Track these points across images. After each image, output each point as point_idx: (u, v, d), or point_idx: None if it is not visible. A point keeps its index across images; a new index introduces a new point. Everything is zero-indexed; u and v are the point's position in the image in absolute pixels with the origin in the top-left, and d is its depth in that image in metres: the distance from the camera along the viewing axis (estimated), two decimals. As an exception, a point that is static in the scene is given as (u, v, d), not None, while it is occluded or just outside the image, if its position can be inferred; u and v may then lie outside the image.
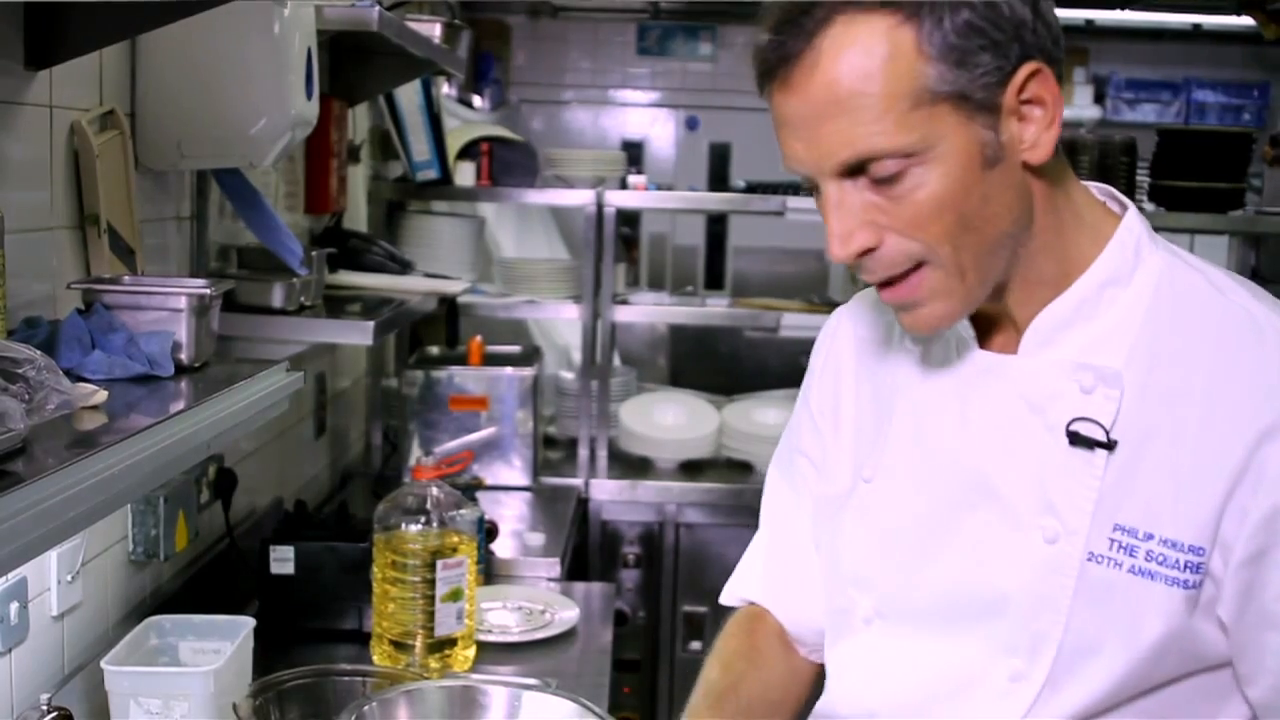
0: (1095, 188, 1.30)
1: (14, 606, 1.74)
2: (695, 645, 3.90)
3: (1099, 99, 6.51)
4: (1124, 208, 1.29)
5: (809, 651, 1.51)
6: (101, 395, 1.48)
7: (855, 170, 1.15)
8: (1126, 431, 1.20)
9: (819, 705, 1.44)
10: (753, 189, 4.22)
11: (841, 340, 1.45)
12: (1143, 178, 4.25)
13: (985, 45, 1.13)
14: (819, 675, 1.49)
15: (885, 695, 1.33)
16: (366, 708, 1.62)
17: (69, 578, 1.90)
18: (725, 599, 1.57)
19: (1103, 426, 1.20)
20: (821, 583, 1.43)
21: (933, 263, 1.18)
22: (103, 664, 1.86)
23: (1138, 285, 1.24)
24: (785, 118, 1.17)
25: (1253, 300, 1.24)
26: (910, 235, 1.16)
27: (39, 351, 1.28)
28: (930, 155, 1.14)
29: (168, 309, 1.71)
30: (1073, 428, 1.21)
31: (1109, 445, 1.20)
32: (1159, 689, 1.21)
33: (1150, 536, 1.18)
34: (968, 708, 1.26)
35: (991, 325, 1.29)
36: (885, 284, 1.21)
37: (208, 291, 1.75)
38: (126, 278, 1.87)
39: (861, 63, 1.12)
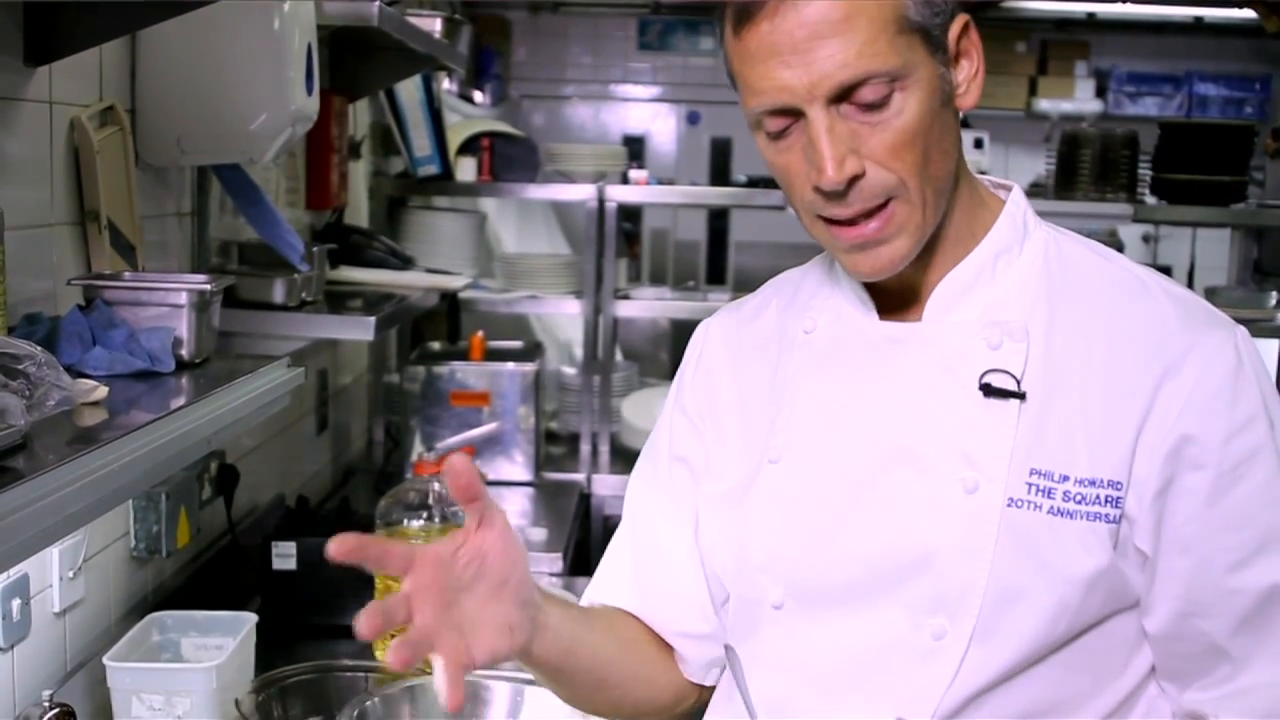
0: (977, 177, 1.37)
1: (16, 603, 1.74)
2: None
3: (1100, 92, 6.51)
4: (1006, 190, 1.36)
5: (689, 668, 1.46)
6: (102, 391, 1.48)
7: (842, 96, 1.19)
8: (1034, 382, 1.25)
9: (716, 704, 1.42)
10: (754, 184, 4.21)
11: (713, 347, 1.48)
12: (1144, 171, 4.25)
13: None
14: (683, 692, 1.46)
15: (799, 681, 1.30)
16: (369, 703, 1.62)
17: (70, 574, 1.90)
18: (585, 602, 1.51)
19: (1013, 377, 1.25)
20: (725, 577, 1.40)
21: (901, 197, 1.22)
22: (105, 660, 1.87)
23: (1028, 254, 1.31)
24: (774, 46, 1.19)
25: (1132, 263, 1.34)
26: (887, 165, 1.21)
27: (39, 348, 1.28)
28: (909, 82, 1.20)
29: (168, 305, 1.71)
30: (985, 380, 1.25)
31: (1020, 395, 1.25)
32: (1080, 638, 1.24)
33: (1065, 478, 1.23)
34: (889, 677, 1.25)
35: (890, 299, 1.33)
36: (850, 223, 1.23)
37: (208, 287, 1.75)
38: (127, 274, 1.87)
39: None
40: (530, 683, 1.71)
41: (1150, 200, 4.31)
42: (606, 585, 1.50)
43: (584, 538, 3.79)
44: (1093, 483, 1.22)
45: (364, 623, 1.14)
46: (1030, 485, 1.23)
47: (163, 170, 2.21)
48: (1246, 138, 4.31)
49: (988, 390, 1.25)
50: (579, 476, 3.91)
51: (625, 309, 4.06)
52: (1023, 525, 1.22)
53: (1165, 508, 1.22)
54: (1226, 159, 4.22)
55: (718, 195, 4.97)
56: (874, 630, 1.27)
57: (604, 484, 3.93)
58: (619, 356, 4.39)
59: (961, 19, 1.25)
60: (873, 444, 1.29)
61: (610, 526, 3.96)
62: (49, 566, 1.85)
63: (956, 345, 1.28)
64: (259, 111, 2.10)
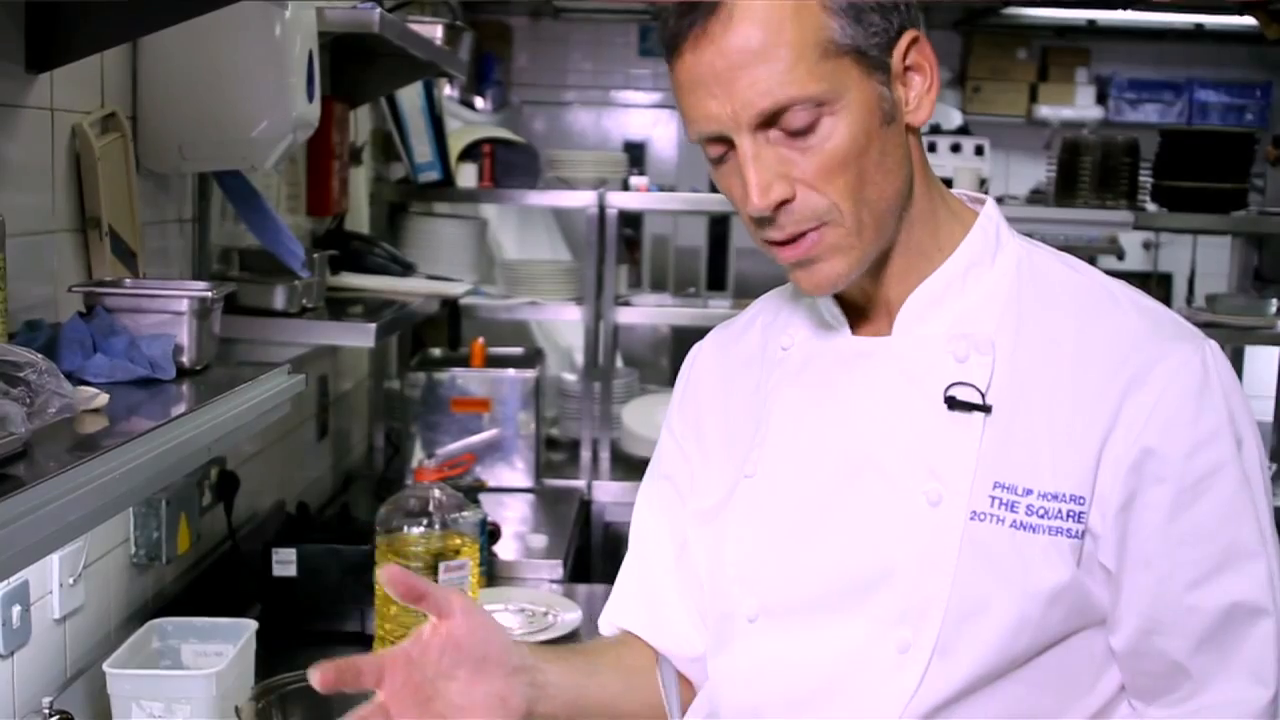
0: (954, 190, 1.37)
1: (16, 610, 1.74)
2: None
3: (1101, 99, 6.51)
4: (981, 203, 1.36)
5: (698, 687, 1.47)
6: (103, 398, 1.48)
7: (769, 122, 1.19)
8: (1000, 395, 1.25)
9: (691, 715, 1.42)
10: (755, 190, 4.21)
11: (701, 368, 1.50)
12: (1145, 178, 4.25)
13: (874, 7, 1.21)
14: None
15: (768, 693, 1.30)
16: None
17: (71, 581, 1.90)
18: (602, 628, 1.54)
19: (978, 390, 1.25)
20: (703, 592, 1.41)
21: (834, 221, 1.22)
22: (105, 667, 1.86)
23: (1000, 266, 1.31)
24: (699, 77, 1.21)
25: (1104, 276, 1.33)
26: (818, 189, 1.21)
27: (40, 355, 1.28)
28: (839, 105, 1.19)
29: (169, 312, 1.71)
30: (949, 393, 1.25)
31: (985, 408, 1.24)
32: (1044, 655, 1.23)
33: (1029, 492, 1.22)
34: (855, 689, 1.25)
35: (862, 314, 1.34)
36: (787, 243, 1.24)
37: (209, 294, 1.75)
38: (128, 281, 1.87)
39: (773, 14, 1.18)
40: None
41: (1151, 207, 4.31)
42: (617, 610, 1.52)
43: (584, 544, 3.79)
44: (1055, 497, 1.21)
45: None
46: (993, 499, 1.22)
47: (164, 177, 2.21)
48: (1247, 145, 4.31)
49: (952, 403, 1.25)
50: (579, 483, 3.92)
51: (626, 315, 4.06)
52: (985, 539, 1.22)
53: (1128, 523, 1.21)
54: (1227, 166, 4.22)
55: (719, 202, 4.94)
56: (841, 643, 1.27)
57: (604, 490, 3.93)
58: (619, 363, 4.39)
59: (909, 35, 1.23)
60: (842, 458, 1.30)
61: (611, 533, 3.97)
62: (49, 573, 1.85)
63: (923, 358, 1.28)
64: (260, 118, 2.10)
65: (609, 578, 1.59)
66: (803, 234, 1.23)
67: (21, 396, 1.24)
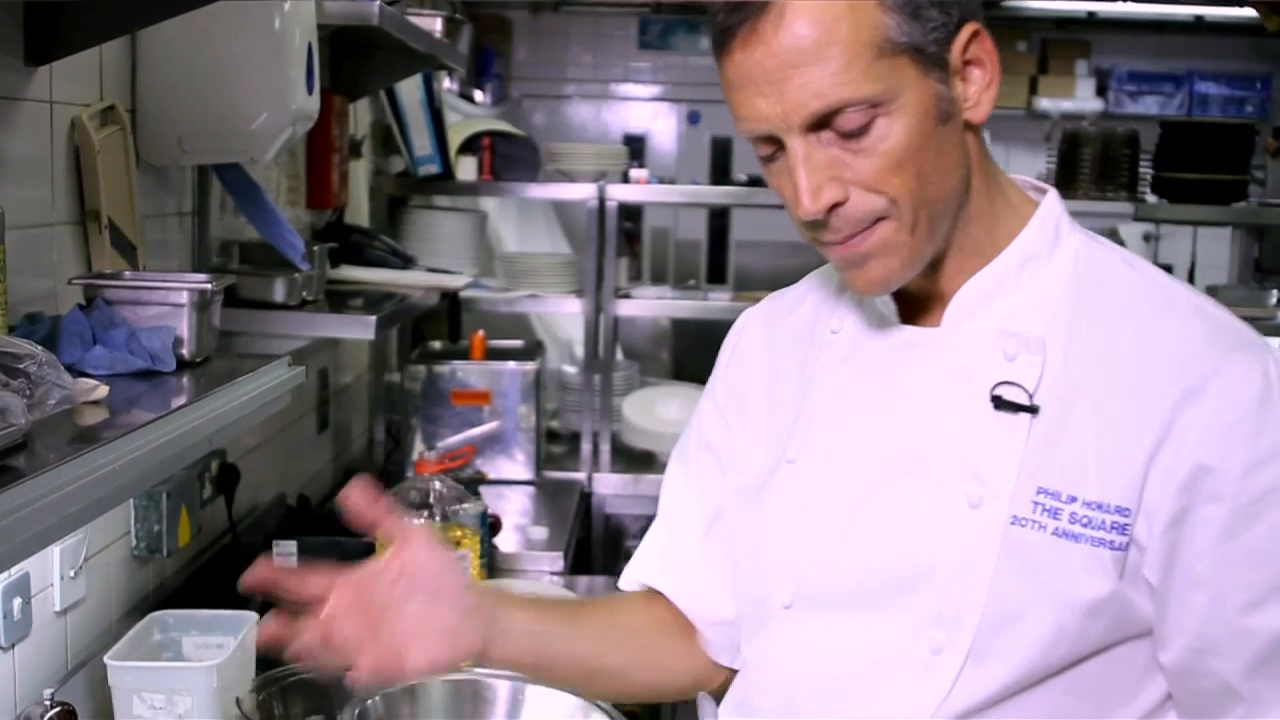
0: (1016, 178, 1.34)
1: (17, 602, 1.74)
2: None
3: (1101, 91, 6.51)
4: (1043, 193, 1.32)
5: (714, 650, 1.47)
6: (103, 390, 1.48)
7: (821, 124, 1.16)
8: (1049, 397, 1.21)
9: (729, 698, 1.42)
10: (755, 182, 4.21)
11: (749, 338, 1.47)
12: (1145, 170, 4.25)
13: (933, 1, 1.17)
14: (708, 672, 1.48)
15: (802, 682, 1.29)
16: (370, 702, 1.62)
17: (72, 573, 1.90)
18: (623, 584, 1.54)
19: (1026, 390, 1.21)
20: (739, 573, 1.40)
21: (891, 218, 1.19)
22: (106, 659, 1.86)
23: (1057, 262, 1.26)
24: (748, 75, 1.17)
25: (1166, 277, 1.28)
26: (874, 189, 1.18)
27: (40, 347, 1.28)
28: (894, 106, 1.15)
29: (169, 304, 1.71)
30: (996, 392, 1.22)
31: (1032, 409, 1.21)
32: (1082, 663, 1.20)
33: (1074, 499, 1.18)
34: (886, 687, 1.24)
35: (914, 304, 1.30)
36: (838, 242, 1.22)
37: (209, 287, 1.75)
38: (128, 273, 1.87)
39: (826, 13, 1.14)
40: (532, 682, 1.71)
41: (1151, 199, 4.31)
42: (641, 566, 1.52)
43: (585, 536, 3.79)
44: (1100, 507, 1.17)
45: (266, 631, 1.24)
46: (1036, 504, 1.19)
47: (164, 170, 2.21)
48: (1247, 136, 4.31)
49: (998, 403, 1.21)
50: (580, 475, 3.92)
51: (626, 308, 4.06)
52: (1025, 545, 1.19)
53: (1179, 539, 1.17)
54: (1227, 158, 4.22)
55: (718, 194, 4.96)
56: (875, 638, 1.25)
57: (605, 483, 3.93)
58: (620, 355, 4.39)
59: (970, 28, 1.20)
60: (884, 451, 1.27)
61: (611, 525, 3.98)
62: (50, 565, 1.86)
63: (972, 354, 1.24)
64: (260, 111, 2.10)
65: (609, 570, 1.59)
66: (860, 232, 1.20)
67: (21, 388, 1.24)
